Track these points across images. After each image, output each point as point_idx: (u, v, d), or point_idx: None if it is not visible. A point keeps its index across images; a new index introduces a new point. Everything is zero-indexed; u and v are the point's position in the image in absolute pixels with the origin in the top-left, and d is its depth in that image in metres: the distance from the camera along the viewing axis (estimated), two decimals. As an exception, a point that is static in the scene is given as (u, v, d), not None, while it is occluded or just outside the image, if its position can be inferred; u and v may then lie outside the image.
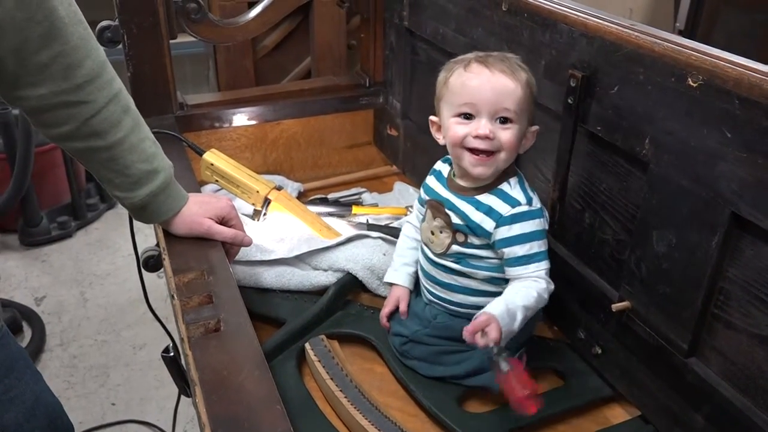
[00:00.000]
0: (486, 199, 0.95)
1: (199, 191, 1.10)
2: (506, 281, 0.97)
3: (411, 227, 1.11)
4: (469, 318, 0.99)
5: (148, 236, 1.82)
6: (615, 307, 0.93)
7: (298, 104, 1.60)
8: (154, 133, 0.91)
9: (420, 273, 1.06)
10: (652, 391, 0.91)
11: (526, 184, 0.97)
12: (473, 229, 0.95)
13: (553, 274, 1.06)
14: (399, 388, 1.02)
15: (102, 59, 0.82)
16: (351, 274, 1.16)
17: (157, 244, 1.04)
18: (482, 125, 0.91)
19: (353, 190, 1.55)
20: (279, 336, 1.05)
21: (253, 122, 1.56)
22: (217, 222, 0.96)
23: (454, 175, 1.00)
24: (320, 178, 1.64)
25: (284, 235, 1.23)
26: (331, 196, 1.53)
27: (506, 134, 0.91)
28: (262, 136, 1.58)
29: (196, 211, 0.95)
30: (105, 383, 1.88)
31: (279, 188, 1.28)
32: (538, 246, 0.94)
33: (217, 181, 1.27)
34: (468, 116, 0.93)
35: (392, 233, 1.24)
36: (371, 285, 1.16)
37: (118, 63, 1.06)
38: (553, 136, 1.00)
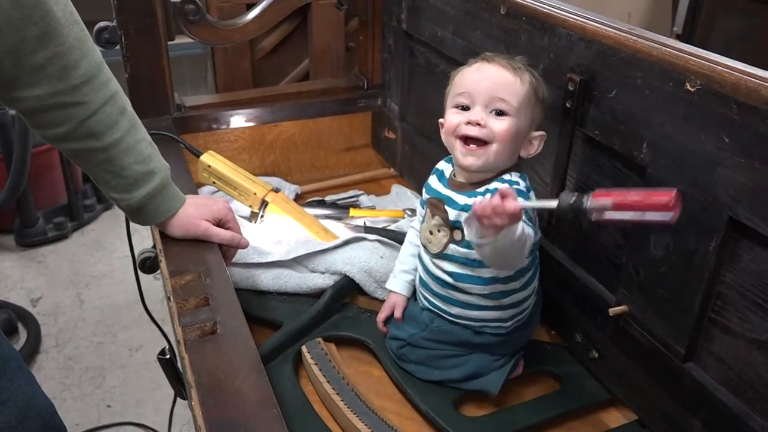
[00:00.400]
0: (484, 192, 0.94)
1: (196, 193, 1.10)
2: (504, 296, 0.96)
3: (414, 233, 1.11)
4: (466, 325, 0.99)
5: (144, 238, 1.82)
6: (612, 311, 0.93)
7: (296, 106, 1.60)
8: (151, 134, 0.91)
9: (417, 281, 1.05)
10: (650, 395, 0.91)
11: (529, 183, 0.96)
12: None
13: (550, 277, 1.06)
14: (396, 392, 1.02)
15: (98, 60, 0.82)
16: (348, 276, 1.15)
17: (154, 246, 1.04)
18: (475, 112, 0.91)
19: (351, 193, 1.55)
20: (276, 339, 1.05)
21: (251, 124, 1.56)
22: (213, 224, 0.96)
23: (455, 175, 1.00)
24: (318, 181, 1.64)
25: (281, 237, 1.23)
26: (329, 198, 1.52)
27: (499, 125, 0.90)
28: (259, 137, 1.58)
29: (193, 213, 0.94)
30: (101, 385, 1.87)
31: (276, 190, 1.27)
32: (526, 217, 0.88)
33: (214, 182, 1.27)
34: (465, 108, 0.93)
35: (390, 236, 1.24)
36: (368, 288, 1.16)
37: (115, 64, 1.06)
38: (551, 139, 1.00)
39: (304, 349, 1.04)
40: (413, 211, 1.37)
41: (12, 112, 2.20)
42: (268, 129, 1.58)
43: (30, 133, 2.14)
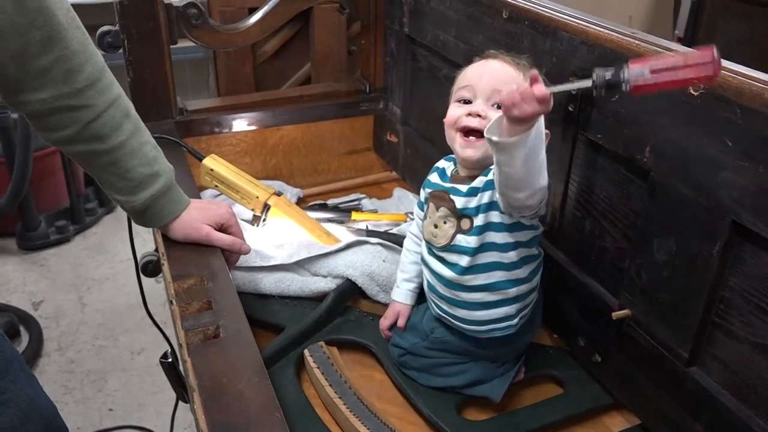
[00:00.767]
0: (486, 172, 0.93)
1: (199, 196, 1.10)
2: (512, 284, 0.94)
3: (411, 240, 1.10)
4: (472, 331, 0.98)
5: (146, 241, 1.82)
6: (615, 315, 0.93)
7: (297, 110, 1.60)
8: (153, 137, 0.92)
9: (426, 286, 1.03)
10: (653, 399, 0.91)
11: None
12: (480, 196, 0.91)
13: (552, 281, 1.06)
14: (398, 395, 1.02)
15: (101, 64, 0.83)
16: (350, 280, 1.15)
17: (156, 250, 1.04)
18: (476, 104, 0.92)
19: (353, 196, 1.55)
20: (278, 342, 1.05)
21: (253, 128, 1.56)
22: (216, 228, 0.96)
23: (457, 172, 0.99)
24: (320, 184, 1.64)
25: (284, 240, 1.23)
26: (331, 201, 1.53)
27: None
28: (261, 141, 1.58)
29: (196, 216, 0.95)
30: (103, 388, 1.87)
31: (278, 194, 1.28)
32: None
33: (216, 186, 1.27)
34: (467, 101, 0.94)
35: (392, 239, 1.24)
36: (370, 291, 1.16)
37: (118, 68, 1.06)
38: (554, 143, 1.00)
39: (306, 352, 1.04)
40: (415, 215, 1.37)
41: (14, 115, 2.21)
42: (270, 133, 1.58)
43: (32, 137, 2.15)
